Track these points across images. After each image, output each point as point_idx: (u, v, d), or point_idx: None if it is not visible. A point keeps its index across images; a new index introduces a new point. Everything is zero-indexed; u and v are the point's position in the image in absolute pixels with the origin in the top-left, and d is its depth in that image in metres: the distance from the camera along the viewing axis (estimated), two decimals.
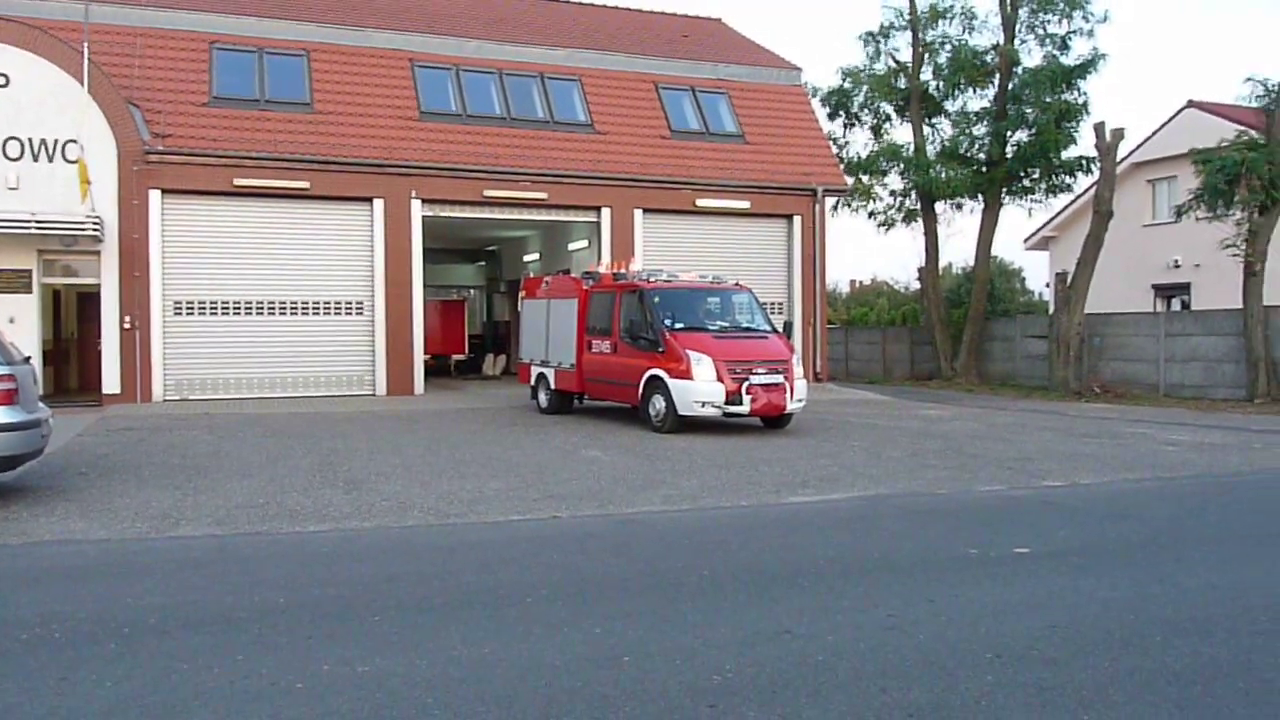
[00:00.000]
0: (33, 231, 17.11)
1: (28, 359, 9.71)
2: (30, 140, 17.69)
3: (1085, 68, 26.43)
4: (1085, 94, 26.75)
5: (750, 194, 23.22)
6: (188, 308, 19.13)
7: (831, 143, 27.17)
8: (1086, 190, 28.73)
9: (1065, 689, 4.36)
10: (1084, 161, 27.05)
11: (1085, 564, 6.76)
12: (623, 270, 16.82)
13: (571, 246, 24.65)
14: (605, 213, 22.23)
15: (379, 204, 20.26)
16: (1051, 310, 27.80)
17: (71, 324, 22.11)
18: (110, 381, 18.41)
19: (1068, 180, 27.90)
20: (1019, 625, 5.30)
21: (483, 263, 33.67)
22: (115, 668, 4.56)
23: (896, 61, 29.24)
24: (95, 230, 17.59)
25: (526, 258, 28.60)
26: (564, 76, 22.99)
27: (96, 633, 5.08)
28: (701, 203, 22.79)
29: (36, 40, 17.73)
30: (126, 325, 18.43)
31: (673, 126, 23.32)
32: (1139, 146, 29.57)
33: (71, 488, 9.63)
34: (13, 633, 5.07)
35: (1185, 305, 27.98)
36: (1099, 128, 24.06)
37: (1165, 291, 29.10)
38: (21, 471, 9.87)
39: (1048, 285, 32.32)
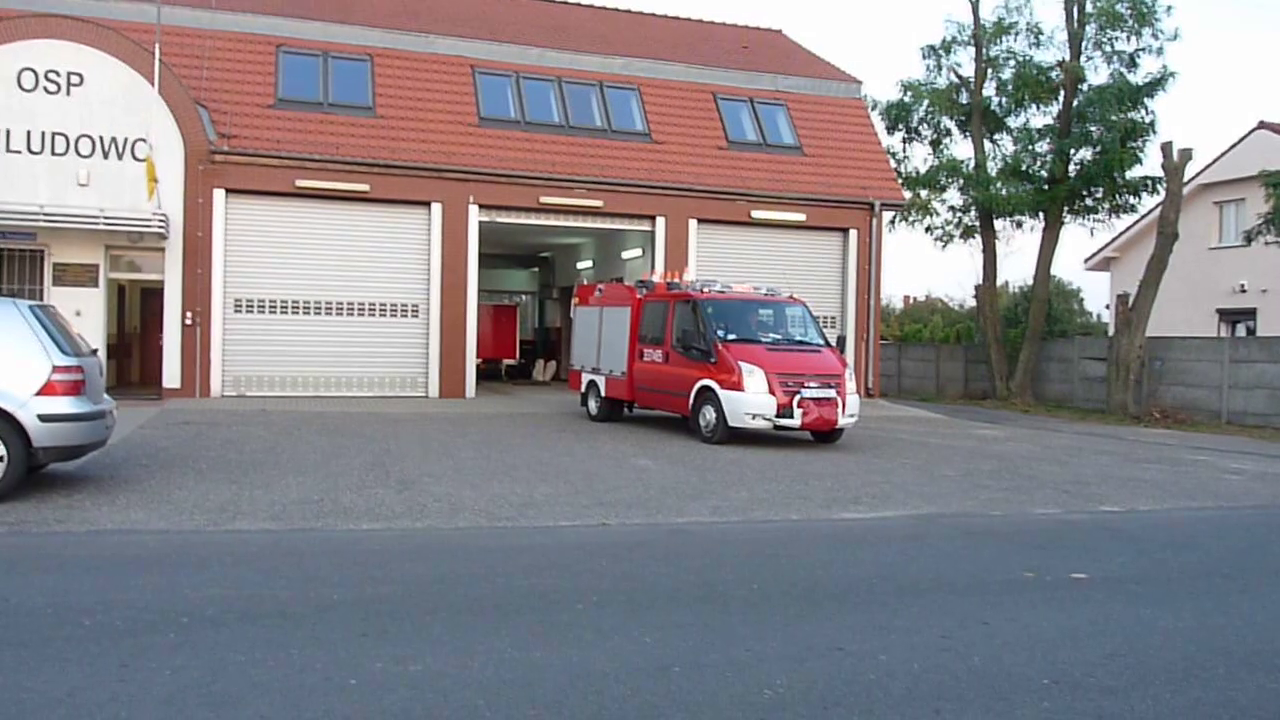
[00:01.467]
0: (101, 227, 17.54)
1: (94, 351, 9.95)
2: (101, 138, 18.14)
3: (1153, 86, 25.88)
4: (1153, 113, 26.24)
5: (806, 207, 23.09)
6: (247, 305, 19.47)
7: (890, 157, 26.87)
8: (1151, 211, 28.19)
9: (1125, 719, 4.26)
10: (1149, 181, 26.47)
11: (1145, 592, 6.62)
12: (676, 280, 16.83)
13: (625, 255, 24.71)
14: (660, 222, 22.25)
15: (437, 208, 20.48)
16: (1111, 332, 27.28)
17: (135, 318, 22.63)
18: (171, 376, 18.78)
19: (1132, 200, 27.29)
20: (1077, 652, 5.19)
21: (536, 269, 33.88)
22: (174, 657, 4.64)
23: (958, 76, 28.90)
24: (161, 227, 17.99)
25: (580, 265, 28.74)
26: (622, 85, 23.07)
27: (156, 622, 5.17)
28: (757, 214, 22.71)
29: (110, 41, 18.19)
30: (188, 321, 18.79)
31: (730, 137, 23.29)
32: (1207, 167, 28.98)
33: (133, 479, 9.83)
34: (76, 618, 5.18)
35: (1251, 331, 27.32)
36: (1166, 147, 23.59)
37: (1230, 316, 28.43)
38: (85, 461, 10.13)
39: (1107, 306, 31.78)
